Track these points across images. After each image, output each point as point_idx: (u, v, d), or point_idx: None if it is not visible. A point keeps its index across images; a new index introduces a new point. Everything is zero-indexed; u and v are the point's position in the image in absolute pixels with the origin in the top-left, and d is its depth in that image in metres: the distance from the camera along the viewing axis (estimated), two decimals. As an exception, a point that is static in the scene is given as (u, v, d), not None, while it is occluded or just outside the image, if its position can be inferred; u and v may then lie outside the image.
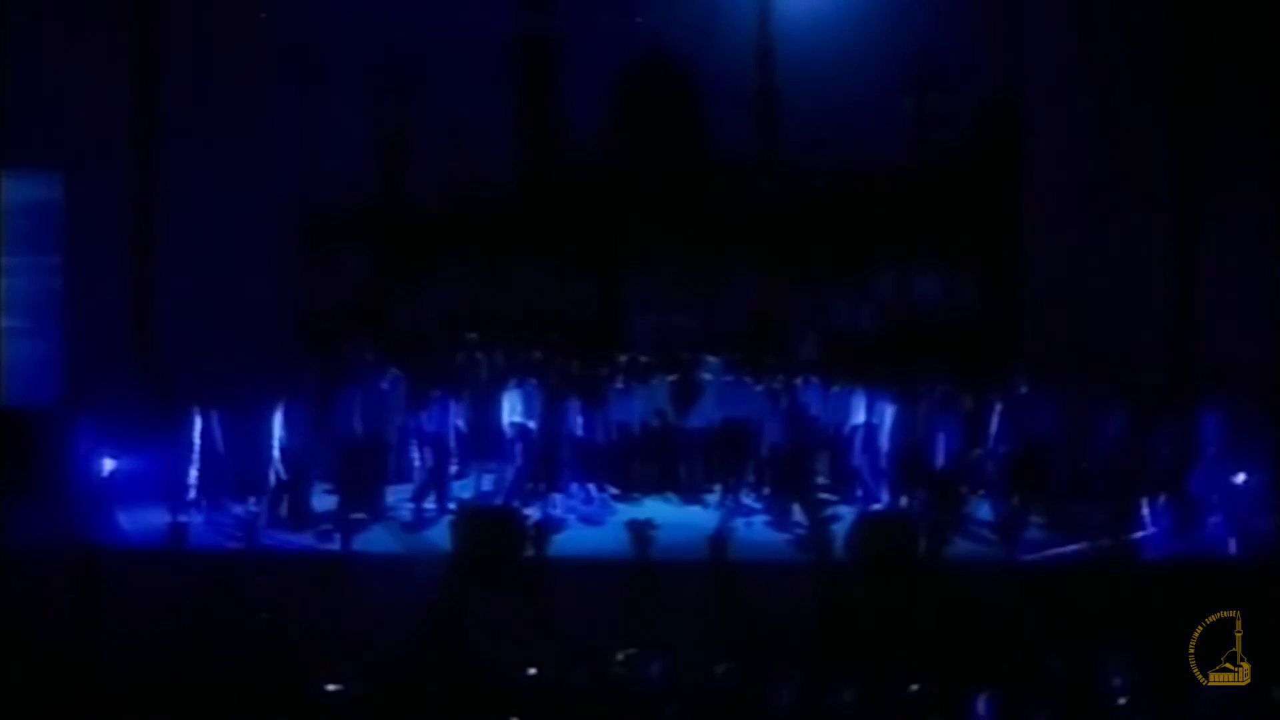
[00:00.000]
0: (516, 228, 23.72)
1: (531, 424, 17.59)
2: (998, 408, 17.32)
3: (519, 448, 17.61)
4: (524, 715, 9.83)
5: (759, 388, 18.09)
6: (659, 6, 23.75)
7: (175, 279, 19.31)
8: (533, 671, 10.71)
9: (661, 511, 17.50)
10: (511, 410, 17.69)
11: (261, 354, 19.00)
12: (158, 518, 16.46)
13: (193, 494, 16.87)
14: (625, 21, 23.93)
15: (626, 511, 17.25)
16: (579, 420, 17.70)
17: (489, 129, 23.60)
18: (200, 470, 17.01)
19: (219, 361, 18.14)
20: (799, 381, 18.15)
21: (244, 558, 15.76)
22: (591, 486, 17.76)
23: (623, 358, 19.44)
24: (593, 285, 23.17)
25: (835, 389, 17.96)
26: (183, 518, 16.37)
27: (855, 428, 17.59)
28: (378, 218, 23.40)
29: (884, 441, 17.40)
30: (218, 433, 17.19)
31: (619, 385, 18.38)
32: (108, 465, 16.93)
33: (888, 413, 17.45)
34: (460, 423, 17.77)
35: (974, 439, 17.33)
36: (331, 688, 9.43)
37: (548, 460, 17.61)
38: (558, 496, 17.53)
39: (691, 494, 18.13)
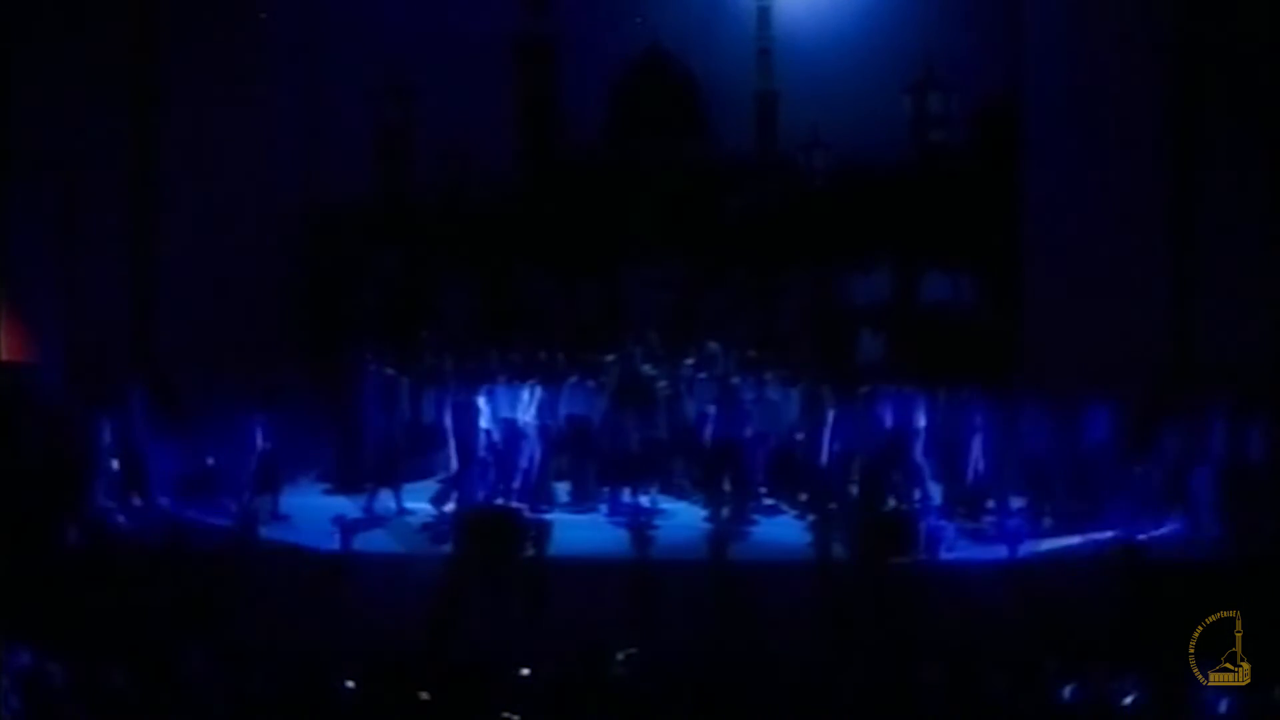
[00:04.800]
0: (515, 227, 23.69)
1: (540, 422, 17.64)
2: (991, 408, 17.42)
3: (529, 446, 17.65)
4: (523, 715, 9.83)
5: (757, 387, 18.10)
6: (659, 6, 23.74)
7: (176, 279, 19.35)
8: (526, 672, 10.72)
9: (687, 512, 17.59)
10: (526, 409, 17.71)
11: (261, 354, 19.04)
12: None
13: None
14: (625, 21, 23.91)
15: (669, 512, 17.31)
16: (597, 420, 17.74)
17: (489, 129, 23.56)
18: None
19: (220, 362, 18.19)
20: (797, 380, 18.18)
21: (244, 557, 15.78)
22: (629, 490, 17.74)
23: (623, 356, 19.39)
24: (591, 285, 23.12)
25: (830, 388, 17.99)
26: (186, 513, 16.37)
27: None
28: (376, 217, 23.37)
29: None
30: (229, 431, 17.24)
31: (626, 385, 18.38)
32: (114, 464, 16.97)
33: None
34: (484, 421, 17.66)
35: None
36: (350, 684, 9.46)
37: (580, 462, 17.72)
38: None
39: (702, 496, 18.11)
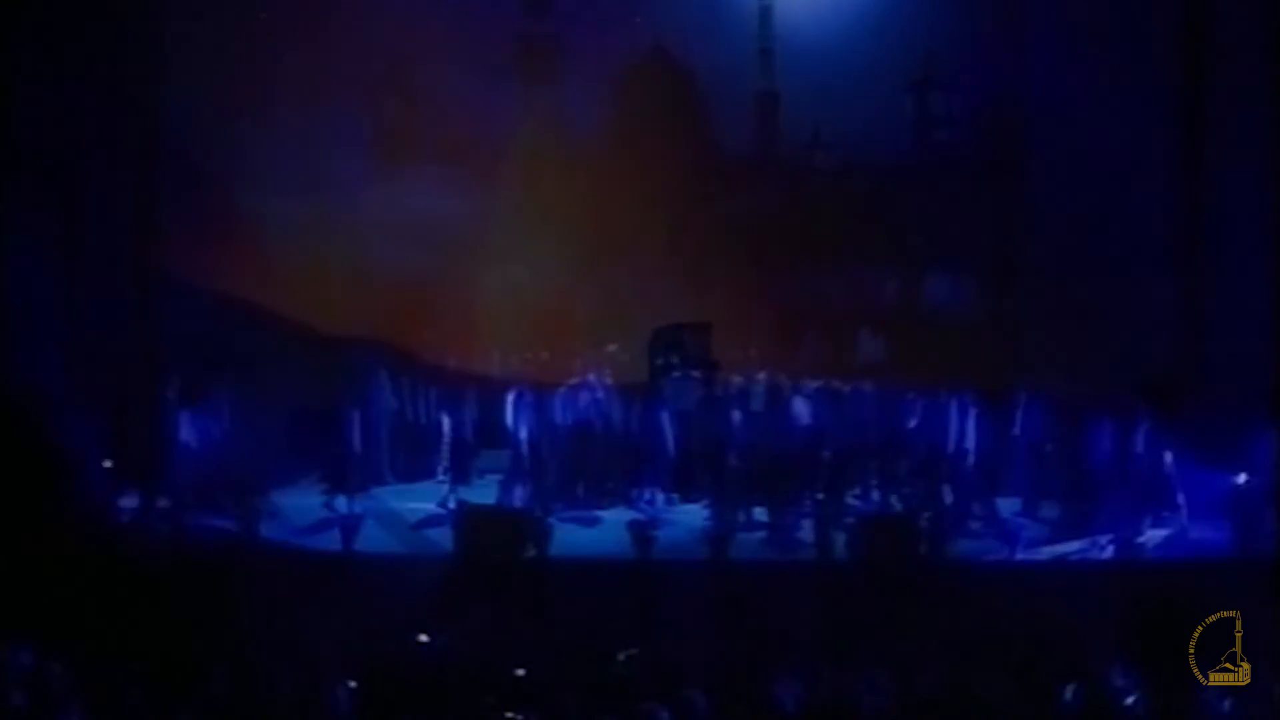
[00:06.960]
0: (514, 227, 23.70)
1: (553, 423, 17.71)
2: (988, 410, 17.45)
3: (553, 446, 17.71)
4: (524, 715, 9.84)
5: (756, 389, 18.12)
6: (659, 6, 23.74)
7: (176, 278, 19.36)
8: (522, 672, 10.75)
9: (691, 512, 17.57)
10: (538, 409, 17.75)
11: (262, 355, 19.05)
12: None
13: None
14: (625, 21, 23.91)
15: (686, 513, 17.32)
16: (601, 420, 17.80)
17: (489, 128, 23.56)
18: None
19: (221, 361, 18.20)
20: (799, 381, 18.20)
21: (244, 557, 15.79)
22: (650, 491, 17.75)
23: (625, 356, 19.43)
24: (590, 286, 23.13)
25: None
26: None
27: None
28: (376, 216, 23.37)
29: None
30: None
31: (628, 384, 18.43)
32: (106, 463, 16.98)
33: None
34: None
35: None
36: (350, 684, 9.52)
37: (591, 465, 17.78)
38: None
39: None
